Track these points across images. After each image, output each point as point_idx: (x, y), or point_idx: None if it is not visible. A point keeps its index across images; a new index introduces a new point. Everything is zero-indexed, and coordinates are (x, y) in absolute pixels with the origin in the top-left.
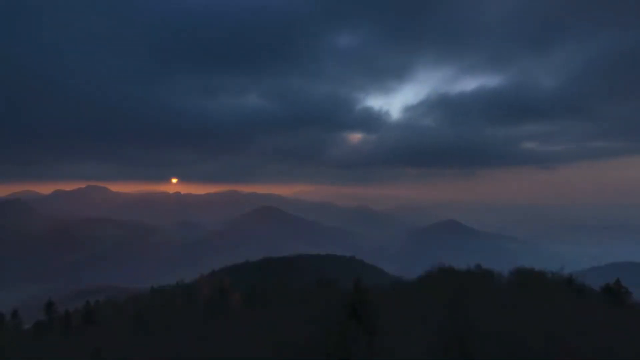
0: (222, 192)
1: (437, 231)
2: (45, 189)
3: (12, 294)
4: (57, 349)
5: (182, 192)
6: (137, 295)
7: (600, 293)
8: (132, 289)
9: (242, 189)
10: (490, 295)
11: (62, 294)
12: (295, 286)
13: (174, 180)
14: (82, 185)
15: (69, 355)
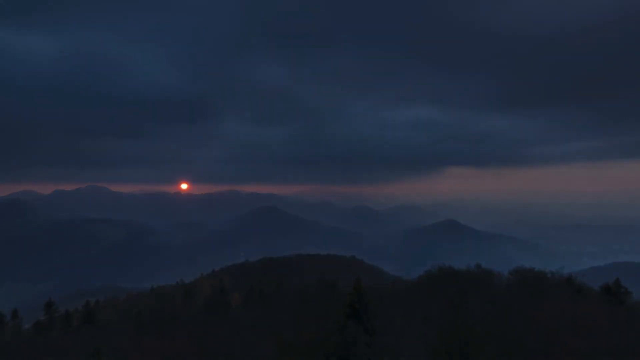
0: (222, 192)
1: (437, 231)
2: (45, 189)
3: (12, 294)
4: (57, 349)
5: (182, 192)
6: (137, 295)
7: (600, 293)
8: (132, 289)
9: (242, 189)
10: (490, 295)
11: (62, 294)
12: (295, 286)
13: (184, 186)
14: (82, 185)
15: (69, 355)
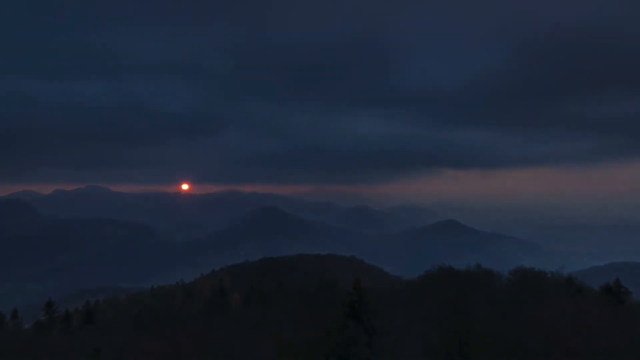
0: (222, 192)
1: (437, 231)
2: (45, 189)
3: (12, 294)
4: (57, 349)
5: (182, 193)
6: (137, 295)
7: (600, 293)
8: (132, 289)
9: (242, 189)
10: (490, 295)
11: (62, 294)
12: (295, 286)
13: (185, 186)
14: (82, 185)
15: (69, 355)
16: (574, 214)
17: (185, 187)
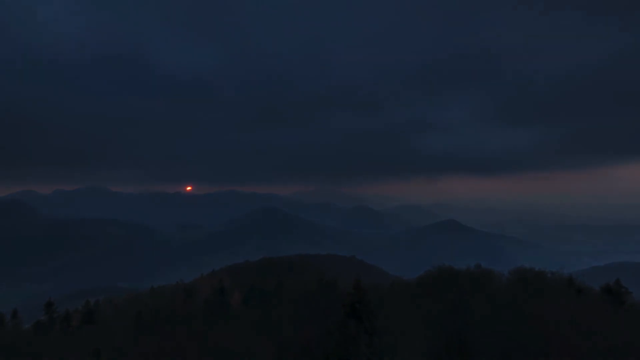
0: (222, 192)
1: (437, 231)
2: (45, 189)
3: (12, 294)
4: (57, 349)
5: (182, 192)
6: (137, 295)
7: (600, 293)
8: (132, 289)
9: (242, 189)
10: (490, 295)
11: (62, 294)
12: (295, 286)
13: (189, 188)
14: (82, 185)
15: (69, 355)
16: (574, 214)
17: (185, 187)
